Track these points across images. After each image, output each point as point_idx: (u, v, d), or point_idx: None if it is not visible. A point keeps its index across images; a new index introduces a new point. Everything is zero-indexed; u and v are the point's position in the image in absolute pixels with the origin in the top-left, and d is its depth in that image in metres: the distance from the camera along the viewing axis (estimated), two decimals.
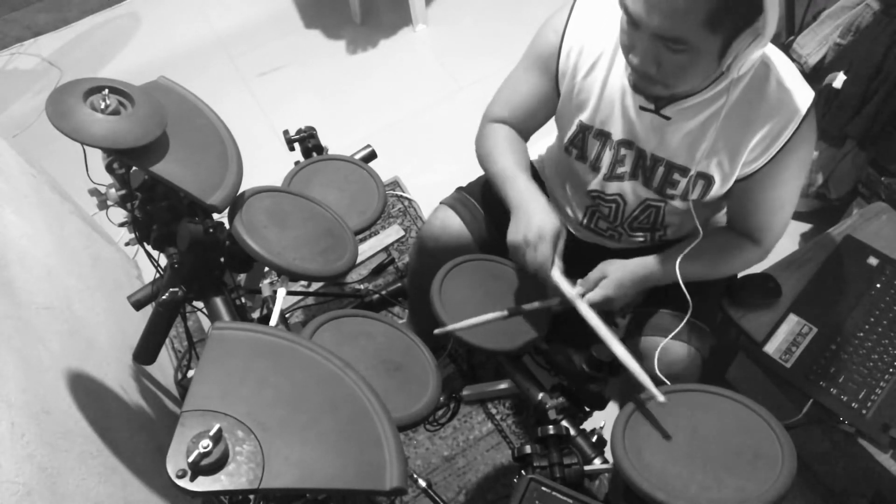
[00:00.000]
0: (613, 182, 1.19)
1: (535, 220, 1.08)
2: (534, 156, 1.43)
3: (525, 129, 1.26)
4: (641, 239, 1.27)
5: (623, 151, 1.15)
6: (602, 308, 1.15)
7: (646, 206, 1.20)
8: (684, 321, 1.15)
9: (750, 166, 1.07)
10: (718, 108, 1.04)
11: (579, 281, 1.14)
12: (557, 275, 1.08)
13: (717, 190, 1.12)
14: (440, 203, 1.38)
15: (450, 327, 1.09)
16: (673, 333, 1.15)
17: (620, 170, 1.17)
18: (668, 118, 1.07)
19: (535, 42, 1.18)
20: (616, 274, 1.13)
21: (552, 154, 1.38)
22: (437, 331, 1.10)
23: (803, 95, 1.03)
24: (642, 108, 1.08)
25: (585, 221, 1.30)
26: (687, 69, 0.95)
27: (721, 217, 1.30)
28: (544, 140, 1.42)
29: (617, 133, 1.14)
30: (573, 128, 1.18)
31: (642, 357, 1.19)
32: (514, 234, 1.10)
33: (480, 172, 1.43)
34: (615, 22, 1.05)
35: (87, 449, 1.08)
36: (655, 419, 0.97)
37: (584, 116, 1.16)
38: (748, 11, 0.88)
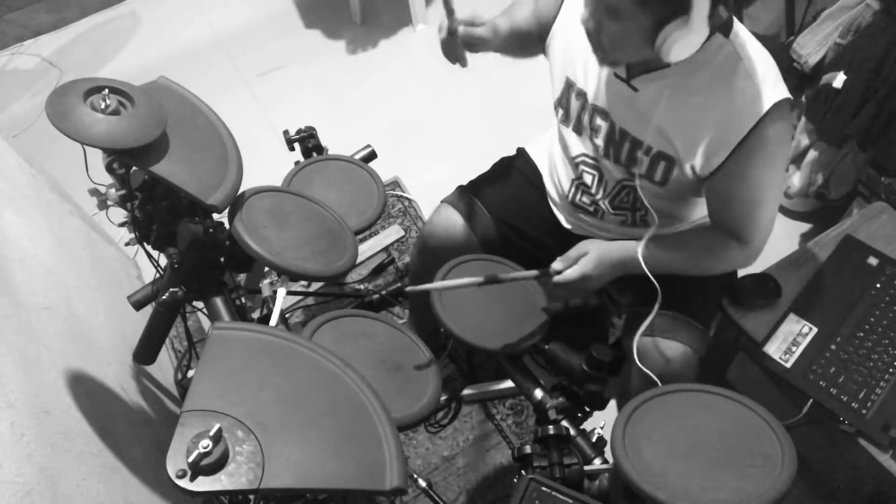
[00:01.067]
0: (591, 145, 1.21)
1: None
2: (530, 147, 1.46)
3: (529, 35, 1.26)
4: (622, 218, 1.28)
5: (598, 121, 1.17)
6: (579, 286, 1.15)
7: (622, 186, 1.22)
8: (653, 313, 1.15)
9: (712, 161, 1.07)
10: (679, 87, 1.05)
11: (559, 258, 1.15)
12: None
13: (679, 175, 1.12)
14: (442, 201, 1.38)
15: (424, 286, 1.11)
16: (645, 324, 1.16)
17: (597, 140, 1.19)
18: (636, 90, 1.09)
19: None
20: (595, 253, 1.13)
21: (549, 133, 1.39)
22: (408, 289, 1.14)
23: (769, 95, 1.02)
24: (617, 76, 1.11)
25: (571, 194, 1.31)
26: (619, 39, 0.99)
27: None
28: (542, 135, 1.43)
29: (591, 96, 1.16)
30: (562, 85, 1.21)
31: (640, 356, 1.19)
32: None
33: (481, 171, 1.44)
34: None
35: (87, 449, 1.08)
36: (655, 419, 0.97)
37: (571, 73, 1.19)
38: (676, 1, 0.91)
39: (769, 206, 1.12)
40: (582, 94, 1.18)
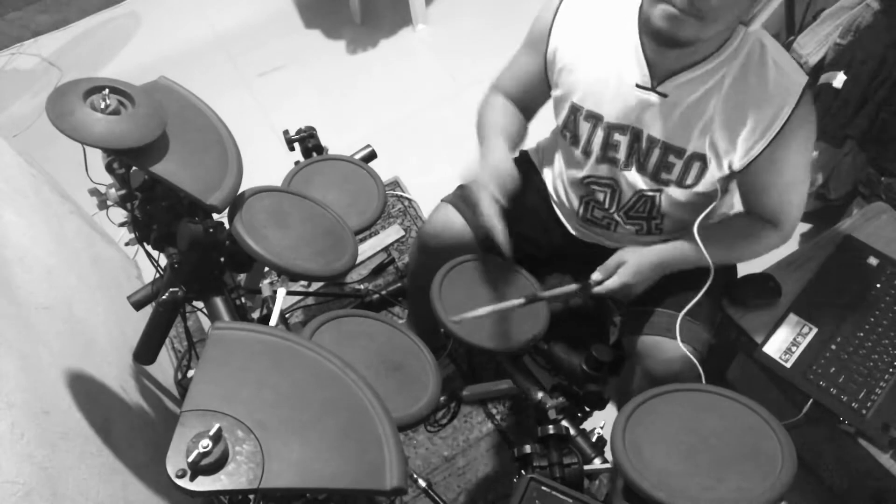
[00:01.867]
0: (605, 164, 1.20)
1: (486, 166, 1.13)
2: (531, 144, 1.44)
3: (522, 106, 1.28)
4: (636, 228, 1.27)
5: (617, 137, 1.15)
6: (620, 294, 1.16)
7: (640, 195, 1.20)
8: (701, 293, 1.16)
9: (750, 152, 1.08)
10: (715, 83, 1.05)
11: (598, 268, 1.16)
12: (496, 220, 1.10)
13: (713, 174, 1.12)
14: (441, 201, 1.37)
15: (464, 315, 1.08)
16: (689, 306, 1.16)
17: (612, 154, 1.18)
18: (665, 95, 1.07)
19: (532, 25, 1.21)
20: (634, 260, 1.14)
21: (550, 144, 1.39)
22: (453, 318, 1.09)
23: (798, 78, 1.04)
24: (639, 87, 1.09)
25: (581, 211, 1.30)
26: (734, 2, 0.93)
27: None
28: (542, 134, 1.42)
29: (609, 116, 1.14)
30: (566, 110, 1.19)
31: (642, 356, 1.19)
32: (467, 175, 1.14)
33: None
34: (606, 4, 1.08)
35: (87, 449, 1.08)
36: (655, 419, 0.97)
37: (575, 98, 1.17)
38: None
39: (802, 187, 1.14)
40: (593, 116, 1.16)
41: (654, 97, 1.08)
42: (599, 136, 1.17)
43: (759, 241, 1.19)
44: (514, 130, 1.24)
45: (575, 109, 1.17)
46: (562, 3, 1.14)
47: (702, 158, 1.11)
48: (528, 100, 1.28)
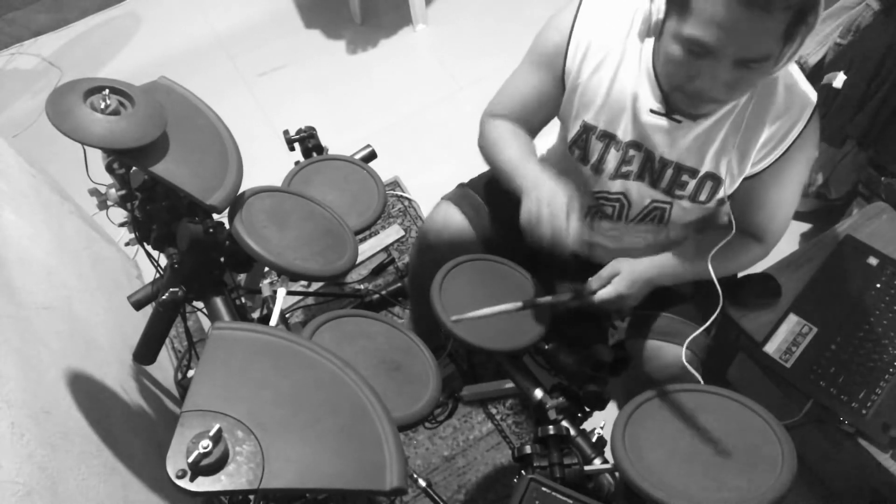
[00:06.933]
0: (618, 180, 1.18)
1: (544, 191, 1.04)
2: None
3: (527, 128, 1.25)
4: (640, 239, 1.27)
5: (632, 152, 1.14)
6: (614, 306, 1.15)
7: (652, 206, 1.20)
8: (714, 315, 1.16)
9: (757, 166, 1.08)
10: (728, 108, 1.04)
11: (591, 279, 1.15)
12: (574, 240, 1.01)
13: (726, 191, 1.12)
14: (442, 198, 1.37)
15: (464, 315, 1.09)
16: (697, 333, 1.16)
17: (626, 168, 1.17)
18: (679, 121, 1.07)
19: (537, 42, 1.18)
20: (628, 270, 1.14)
21: (553, 154, 1.38)
22: (453, 318, 1.10)
23: (808, 96, 1.04)
24: (653, 112, 1.08)
25: (588, 220, 1.30)
26: (755, 82, 0.96)
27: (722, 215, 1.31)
28: (545, 140, 1.42)
29: (625, 135, 1.13)
30: (577, 128, 1.17)
31: (643, 359, 1.19)
32: (526, 211, 1.05)
33: (481, 171, 1.43)
34: (621, 21, 1.06)
35: (87, 449, 1.08)
36: (655, 419, 0.97)
37: (588, 117, 1.15)
38: (810, 17, 0.87)
39: (792, 205, 1.14)
40: (606, 136, 1.14)
41: (666, 122, 1.08)
42: (614, 154, 1.15)
43: (744, 256, 1.19)
44: (533, 152, 1.21)
45: (587, 128, 1.16)
46: (576, 21, 1.11)
47: (715, 178, 1.11)
48: (537, 121, 1.24)
